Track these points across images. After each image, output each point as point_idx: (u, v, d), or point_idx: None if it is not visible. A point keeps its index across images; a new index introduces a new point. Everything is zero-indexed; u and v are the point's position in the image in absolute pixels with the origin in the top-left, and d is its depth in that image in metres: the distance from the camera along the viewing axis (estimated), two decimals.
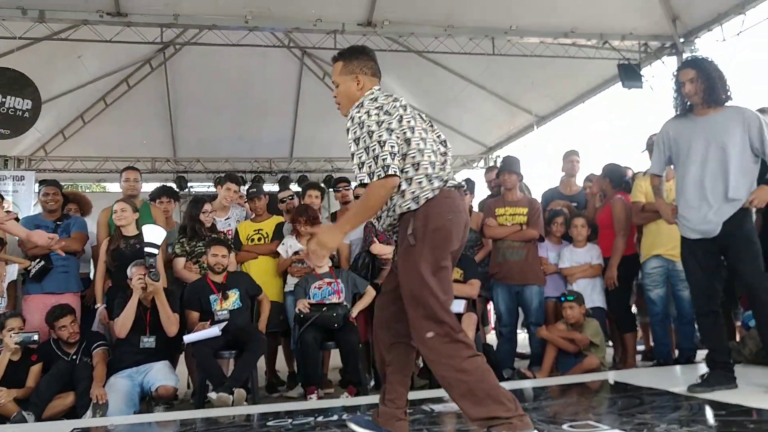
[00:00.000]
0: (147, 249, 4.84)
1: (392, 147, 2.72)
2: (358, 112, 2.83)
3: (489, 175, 7.02)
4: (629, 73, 8.53)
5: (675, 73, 4.19)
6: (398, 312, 2.85)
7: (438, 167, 2.86)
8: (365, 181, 2.74)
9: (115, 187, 12.63)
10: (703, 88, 3.99)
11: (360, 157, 2.76)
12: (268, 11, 7.85)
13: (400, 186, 2.78)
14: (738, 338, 5.26)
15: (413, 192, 2.79)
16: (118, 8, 7.36)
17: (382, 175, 2.68)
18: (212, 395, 4.53)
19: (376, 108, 2.81)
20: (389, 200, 2.83)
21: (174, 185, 11.43)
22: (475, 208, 6.26)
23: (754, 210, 4.10)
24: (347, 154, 9.98)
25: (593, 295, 5.53)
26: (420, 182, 2.80)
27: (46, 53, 8.76)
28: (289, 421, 3.77)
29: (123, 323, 4.79)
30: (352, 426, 2.98)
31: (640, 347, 6.23)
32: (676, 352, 5.55)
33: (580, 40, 8.56)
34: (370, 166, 2.71)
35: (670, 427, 3.01)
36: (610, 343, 6.08)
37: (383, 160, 2.69)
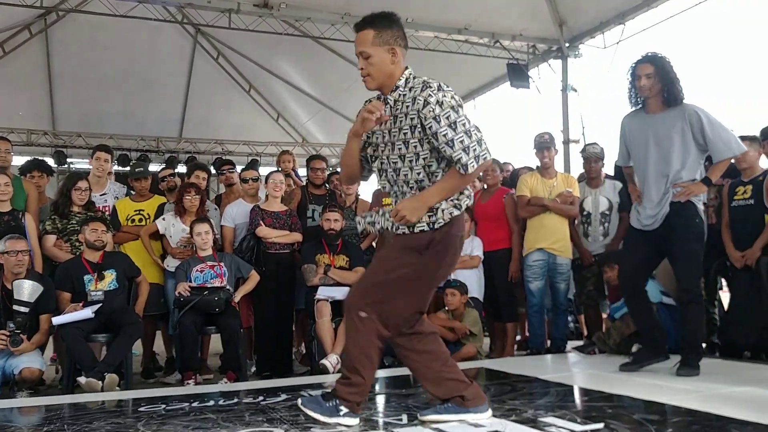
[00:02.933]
0: (16, 307, 4.49)
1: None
2: (444, 95, 2.72)
3: None
4: (518, 73, 8.84)
5: (633, 66, 4.27)
6: None
7: None
8: (473, 166, 2.69)
9: None
10: (660, 86, 4.13)
11: (462, 142, 2.68)
12: None
13: None
14: (604, 329, 5.57)
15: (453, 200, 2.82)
16: None
17: (488, 158, 2.73)
18: (81, 380, 4.34)
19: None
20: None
21: (52, 160, 10.86)
22: (362, 197, 6.29)
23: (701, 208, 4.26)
24: (238, 136, 9.87)
25: (471, 285, 5.68)
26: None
27: None
28: (163, 406, 3.66)
29: None
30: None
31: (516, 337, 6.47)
32: (549, 342, 5.83)
33: (472, 38, 8.77)
34: (474, 150, 2.69)
35: (537, 412, 3.15)
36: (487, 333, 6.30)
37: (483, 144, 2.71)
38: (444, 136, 2.68)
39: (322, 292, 5.21)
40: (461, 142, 2.67)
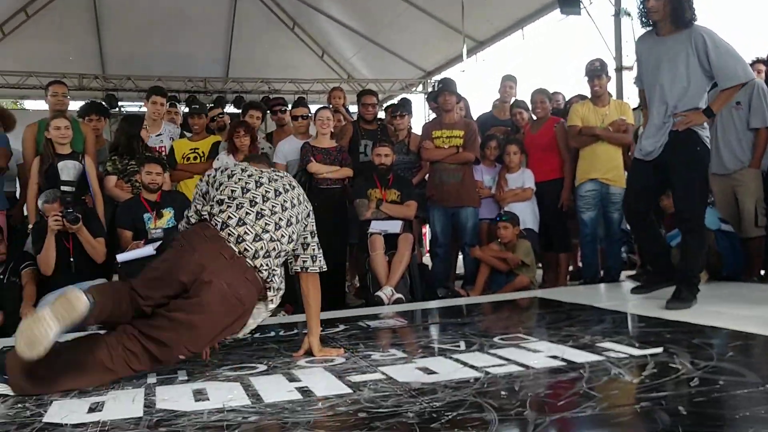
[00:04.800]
0: (63, 188, 4.64)
1: None
2: None
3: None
4: None
5: None
6: None
7: None
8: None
9: (35, 105, 12.11)
10: (669, 7, 3.89)
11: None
12: None
13: None
14: None
15: None
16: None
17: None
18: None
19: None
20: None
21: (103, 103, 11.04)
22: (415, 130, 6.27)
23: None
24: (284, 75, 9.89)
25: (525, 217, 5.67)
26: None
27: None
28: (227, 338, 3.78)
29: (45, 262, 4.62)
30: None
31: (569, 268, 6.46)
32: (602, 272, 5.81)
33: None
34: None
35: (594, 337, 3.17)
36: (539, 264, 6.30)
37: None
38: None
39: (375, 226, 5.28)
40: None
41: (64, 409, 2.32)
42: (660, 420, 1.92)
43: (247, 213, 2.89)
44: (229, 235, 2.83)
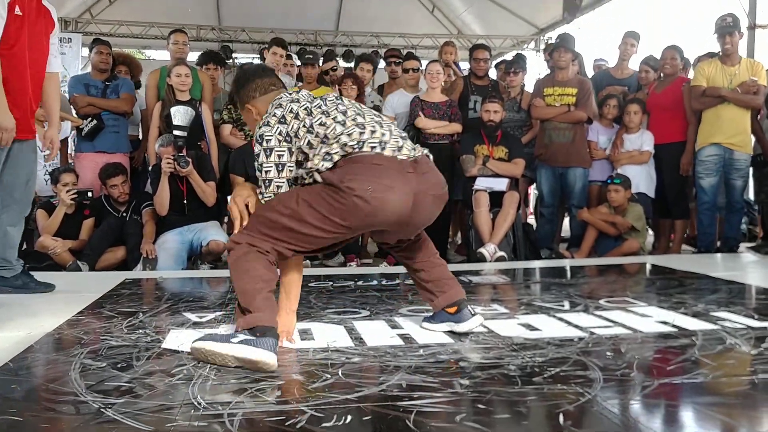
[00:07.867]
0: (176, 132, 4.81)
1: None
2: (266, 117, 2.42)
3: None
4: None
5: None
6: None
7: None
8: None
9: (159, 55, 12.61)
10: None
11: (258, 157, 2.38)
12: None
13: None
14: None
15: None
16: None
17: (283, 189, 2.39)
18: None
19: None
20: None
21: (220, 53, 11.37)
22: (528, 89, 6.11)
23: None
24: (394, 29, 9.87)
25: (639, 181, 5.45)
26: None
27: None
28: (330, 283, 3.88)
29: (160, 202, 4.87)
30: None
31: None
32: (718, 242, 5.52)
33: None
34: (268, 173, 2.38)
35: (708, 306, 3.03)
36: (651, 232, 6.06)
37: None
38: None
39: (480, 183, 5.23)
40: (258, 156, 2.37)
41: (180, 338, 2.46)
42: None
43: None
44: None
